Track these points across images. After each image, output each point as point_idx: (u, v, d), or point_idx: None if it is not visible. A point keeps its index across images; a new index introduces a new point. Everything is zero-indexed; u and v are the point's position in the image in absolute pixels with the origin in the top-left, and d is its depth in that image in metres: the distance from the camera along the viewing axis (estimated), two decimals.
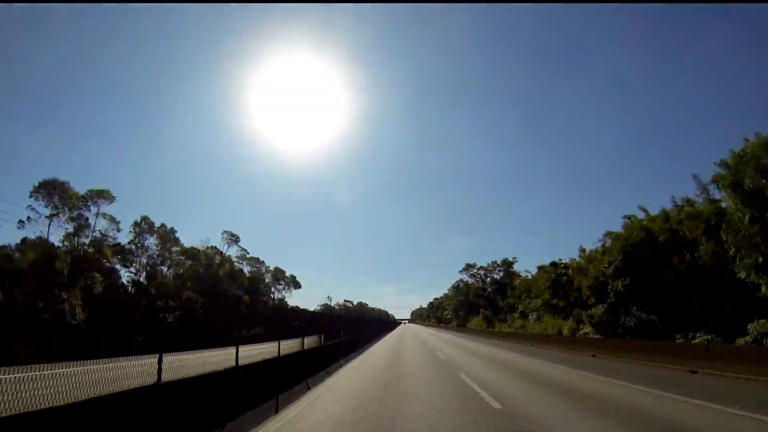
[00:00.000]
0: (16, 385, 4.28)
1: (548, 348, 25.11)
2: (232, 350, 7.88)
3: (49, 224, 38.26)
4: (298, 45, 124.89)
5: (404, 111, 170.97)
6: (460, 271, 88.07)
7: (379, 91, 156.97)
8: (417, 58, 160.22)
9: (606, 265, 28.10)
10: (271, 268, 75.14)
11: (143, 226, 45.73)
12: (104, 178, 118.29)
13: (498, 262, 74.13)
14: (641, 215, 28.92)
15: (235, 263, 61.00)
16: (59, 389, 4.64)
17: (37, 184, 38.71)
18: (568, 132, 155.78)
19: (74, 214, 39.15)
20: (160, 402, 4.98)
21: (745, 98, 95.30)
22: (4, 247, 36.64)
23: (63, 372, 5.20)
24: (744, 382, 11.17)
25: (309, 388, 10.28)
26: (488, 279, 76.41)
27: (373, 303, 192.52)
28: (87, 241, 40.20)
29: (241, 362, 7.52)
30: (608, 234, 31.16)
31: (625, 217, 29.88)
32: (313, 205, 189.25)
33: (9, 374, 5.50)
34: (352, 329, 26.84)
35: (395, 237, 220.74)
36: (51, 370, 5.19)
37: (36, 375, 4.92)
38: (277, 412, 7.61)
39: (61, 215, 38.76)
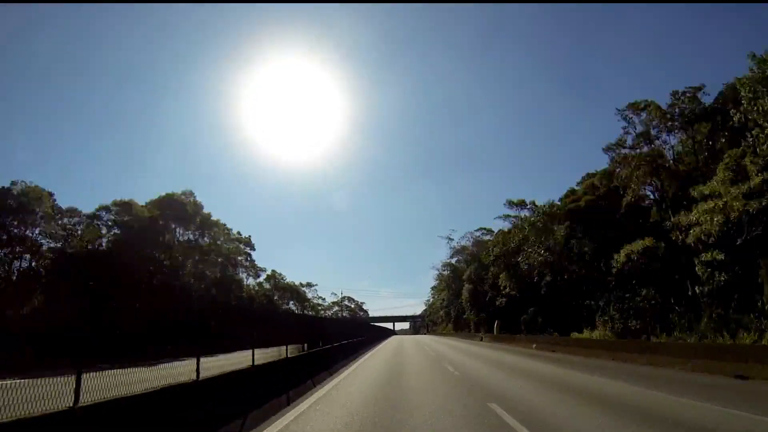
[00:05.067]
0: None
1: None
2: None
3: None
4: (293, 46, 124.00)
5: (403, 111, 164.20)
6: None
7: (379, 91, 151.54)
8: (415, 59, 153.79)
9: None
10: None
11: None
12: (96, 178, 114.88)
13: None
14: None
15: None
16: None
17: None
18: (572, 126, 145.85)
19: None
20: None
21: None
22: None
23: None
24: None
25: None
26: None
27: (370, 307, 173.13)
28: None
29: None
30: None
31: None
32: (308, 209, 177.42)
33: None
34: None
35: (394, 240, 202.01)
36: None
37: None
38: None
39: None
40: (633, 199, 27.99)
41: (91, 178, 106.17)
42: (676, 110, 27.11)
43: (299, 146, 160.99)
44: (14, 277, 33.95)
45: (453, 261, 78.01)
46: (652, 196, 30.11)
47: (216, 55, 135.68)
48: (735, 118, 20.80)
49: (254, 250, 59.98)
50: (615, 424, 6.60)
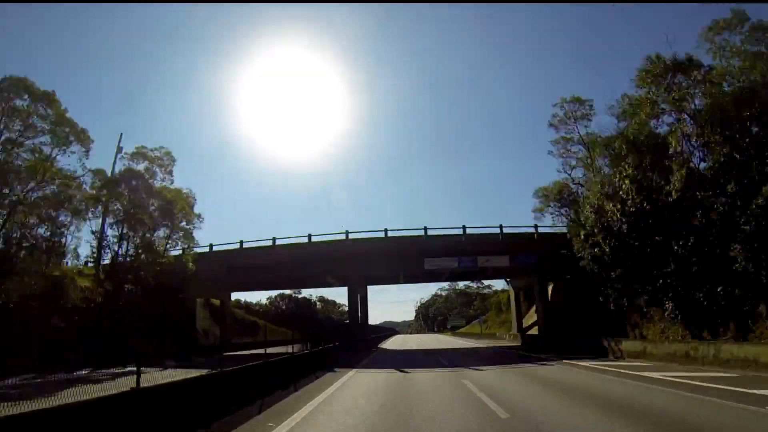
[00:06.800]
0: None
1: None
2: None
3: None
4: (293, 42, 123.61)
5: (405, 102, 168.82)
6: None
7: (378, 83, 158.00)
8: (414, 55, 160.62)
9: None
10: None
11: None
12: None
13: None
14: None
15: None
16: None
17: None
18: None
19: None
20: None
21: None
22: None
23: None
24: None
25: None
26: None
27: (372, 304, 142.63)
28: None
29: None
30: None
31: None
32: (308, 202, 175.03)
33: None
34: None
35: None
36: None
37: None
38: None
39: None
40: None
41: None
42: None
43: (298, 140, 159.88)
44: None
45: None
46: None
47: (210, 49, 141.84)
48: None
49: None
50: None
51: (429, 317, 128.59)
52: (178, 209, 27.86)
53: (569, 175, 29.62)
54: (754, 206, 13.72)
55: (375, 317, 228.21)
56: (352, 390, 11.05)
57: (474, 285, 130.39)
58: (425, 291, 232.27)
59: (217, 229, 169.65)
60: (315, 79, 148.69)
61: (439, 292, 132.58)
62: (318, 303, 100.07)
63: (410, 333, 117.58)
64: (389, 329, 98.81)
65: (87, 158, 24.69)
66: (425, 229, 29.56)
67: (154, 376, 7.77)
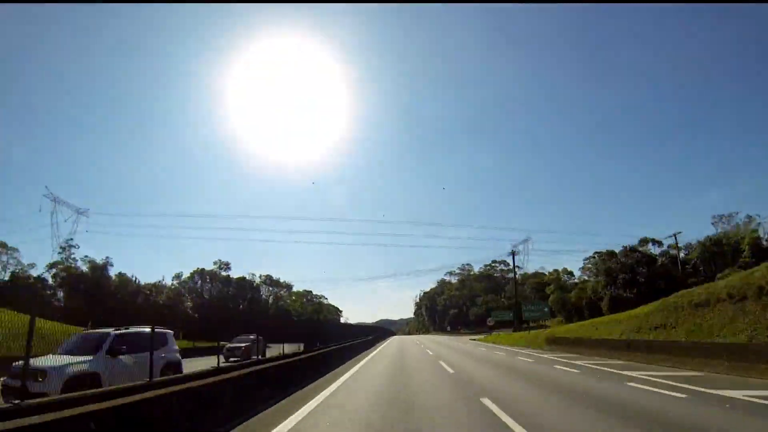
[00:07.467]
0: None
1: None
2: None
3: None
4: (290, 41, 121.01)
5: (405, 100, 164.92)
6: None
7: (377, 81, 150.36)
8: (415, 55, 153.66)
9: None
10: None
11: None
12: (89, 180, 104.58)
13: None
14: None
15: None
16: None
17: None
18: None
19: None
20: None
21: None
22: None
23: None
24: None
25: None
26: None
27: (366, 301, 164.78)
28: None
29: None
30: None
31: None
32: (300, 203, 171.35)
33: None
34: None
35: (394, 227, 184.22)
36: None
37: None
38: None
39: None
40: None
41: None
42: None
43: (292, 140, 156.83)
44: None
45: None
46: None
47: (214, 54, 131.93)
48: None
49: None
50: None
51: (436, 311, 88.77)
52: None
53: None
54: None
55: (372, 317, 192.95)
56: None
57: (499, 267, 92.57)
58: (426, 282, 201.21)
59: None
60: (309, 75, 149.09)
61: (447, 279, 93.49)
62: (262, 285, 59.64)
63: (409, 334, 79.19)
64: (384, 330, 61.38)
65: None
66: None
67: None
